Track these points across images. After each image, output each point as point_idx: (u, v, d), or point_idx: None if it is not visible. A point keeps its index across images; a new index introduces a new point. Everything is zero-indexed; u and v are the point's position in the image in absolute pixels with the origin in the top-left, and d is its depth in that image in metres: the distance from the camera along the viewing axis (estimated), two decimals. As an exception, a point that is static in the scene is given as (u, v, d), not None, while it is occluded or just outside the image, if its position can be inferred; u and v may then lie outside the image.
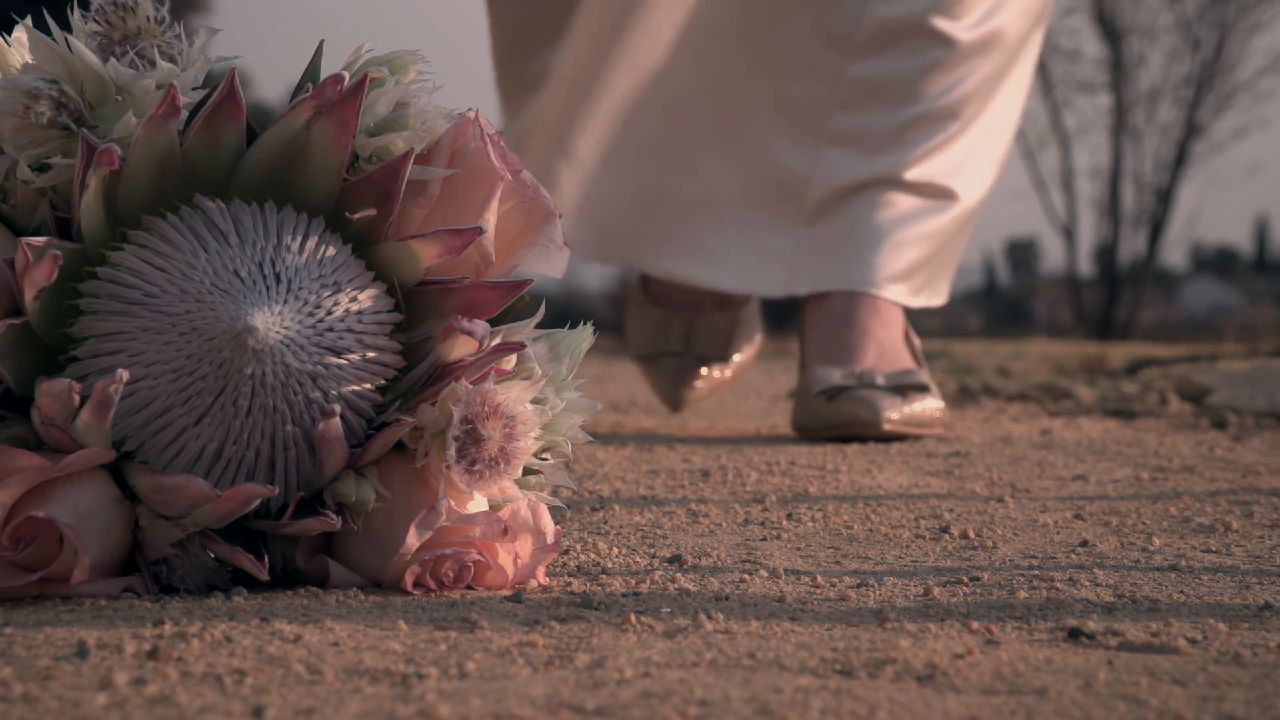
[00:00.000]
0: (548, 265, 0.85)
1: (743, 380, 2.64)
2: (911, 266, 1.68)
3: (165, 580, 0.79)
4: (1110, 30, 10.84)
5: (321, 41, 0.84)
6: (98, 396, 0.75)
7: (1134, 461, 1.40)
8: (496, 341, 0.82)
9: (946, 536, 1.02)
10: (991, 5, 1.69)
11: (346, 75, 0.81)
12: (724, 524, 1.06)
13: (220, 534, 0.79)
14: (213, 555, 0.79)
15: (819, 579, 0.86)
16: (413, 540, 0.78)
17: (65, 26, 0.80)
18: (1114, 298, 11.25)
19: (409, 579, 0.79)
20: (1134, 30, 10.99)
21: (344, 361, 0.79)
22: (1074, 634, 0.72)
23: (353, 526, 0.79)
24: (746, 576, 0.86)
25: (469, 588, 0.81)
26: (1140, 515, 1.11)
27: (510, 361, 0.82)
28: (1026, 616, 0.77)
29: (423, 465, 0.80)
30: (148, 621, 0.71)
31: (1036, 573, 0.88)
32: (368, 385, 0.80)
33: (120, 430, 0.77)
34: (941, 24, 1.67)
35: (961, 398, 2.17)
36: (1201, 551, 0.97)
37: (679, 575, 0.86)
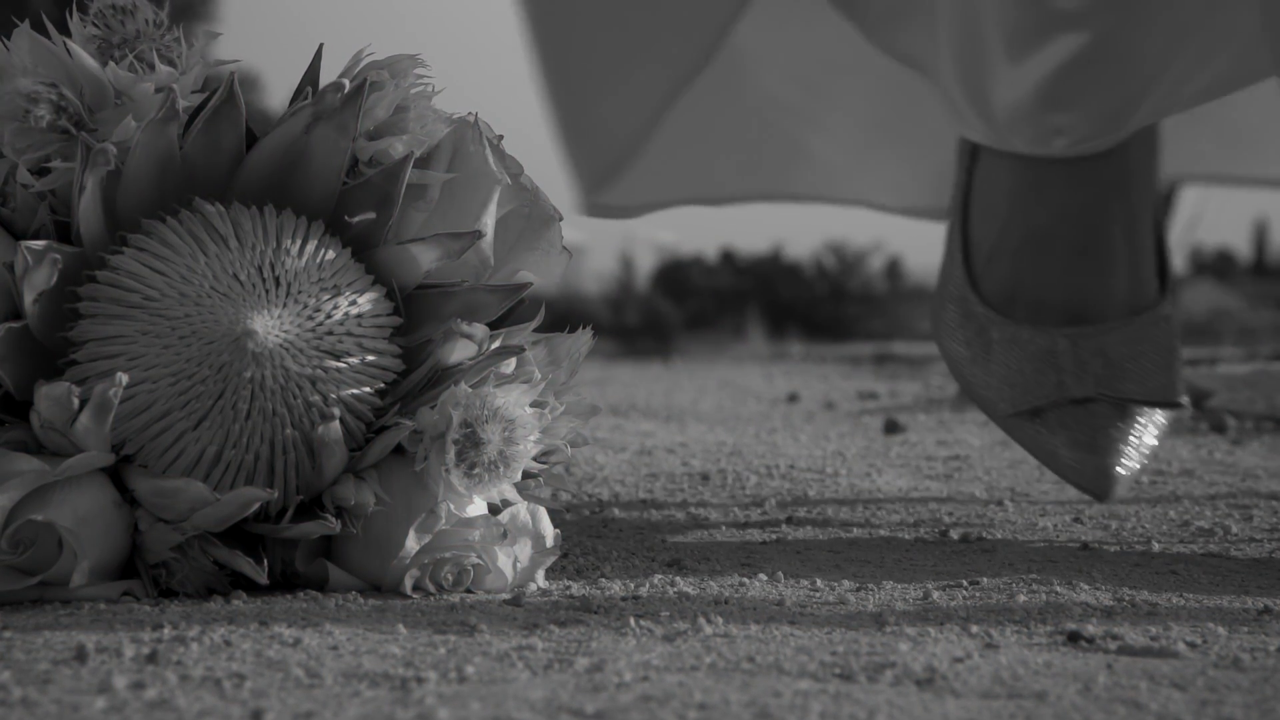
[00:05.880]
0: (546, 269, 0.85)
1: (741, 383, 2.64)
2: None
3: (164, 584, 0.79)
4: None
5: (321, 45, 0.84)
6: (97, 400, 0.75)
7: (1133, 465, 1.40)
8: (496, 345, 0.82)
9: (946, 540, 1.02)
10: None
11: (346, 83, 0.81)
12: (723, 527, 1.06)
13: (219, 537, 0.79)
14: (212, 559, 0.79)
15: (818, 582, 0.86)
16: (412, 544, 0.78)
17: (64, 30, 0.80)
18: (1113, 300, 11.24)
19: (408, 582, 0.79)
20: None
21: (343, 365, 0.79)
22: (1073, 638, 0.72)
23: (352, 530, 0.79)
24: (745, 580, 0.86)
25: (468, 591, 0.81)
26: (1139, 519, 1.11)
27: (510, 365, 0.82)
28: (1026, 620, 0.76)
29: (422, 469, 0.80)
30: (147, 625, 0.71)
31: (1035, 576, 0.88)
32: (367, 389, 0.80)
33: (120, 434, 0.77)
34: None
35: (961, 402, 2.17)
36: (1201, 555, 0.97)
37: (678, 579, 0.86)
